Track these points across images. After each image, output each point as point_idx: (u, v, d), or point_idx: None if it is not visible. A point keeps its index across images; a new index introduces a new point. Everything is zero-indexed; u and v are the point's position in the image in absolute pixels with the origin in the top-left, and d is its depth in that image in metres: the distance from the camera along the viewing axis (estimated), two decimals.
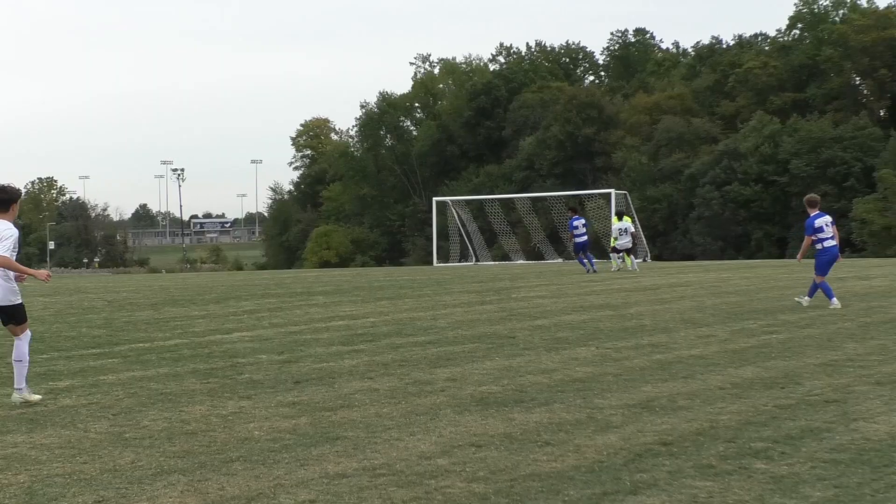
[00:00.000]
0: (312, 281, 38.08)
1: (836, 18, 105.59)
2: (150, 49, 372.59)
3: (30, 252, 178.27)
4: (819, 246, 21.22)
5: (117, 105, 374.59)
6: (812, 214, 21.40)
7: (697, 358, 14.27)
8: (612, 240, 39.99)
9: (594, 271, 36.62)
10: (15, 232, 11.50)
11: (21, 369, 11.68)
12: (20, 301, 11.73)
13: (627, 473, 8.14)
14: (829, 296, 21.12)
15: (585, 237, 38.30)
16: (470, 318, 20.75)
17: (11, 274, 11.56)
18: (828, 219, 21.52)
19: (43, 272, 11.90)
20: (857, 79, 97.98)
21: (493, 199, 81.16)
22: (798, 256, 22.87)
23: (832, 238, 21.17)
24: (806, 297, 21.51)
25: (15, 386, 11.73)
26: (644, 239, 68.09)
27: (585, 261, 37.61)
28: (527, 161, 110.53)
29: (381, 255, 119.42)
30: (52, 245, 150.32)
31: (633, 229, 39.92)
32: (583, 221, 38.35)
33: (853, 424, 9.68)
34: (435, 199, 73.90)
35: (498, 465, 8.40)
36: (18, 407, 11.50)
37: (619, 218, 40.31)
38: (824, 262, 21.24)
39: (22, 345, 11.67)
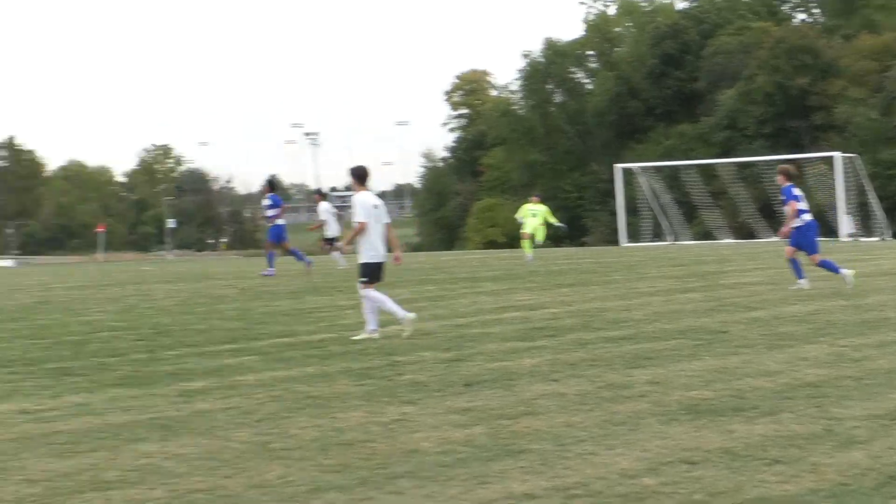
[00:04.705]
0: (477, 264, 38.35)
1: None
2: None
3: (146, 232, 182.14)
4: None
5: (238, 60, 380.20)
6: None
7: None
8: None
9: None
10: None
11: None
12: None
13: (881, 499, 7.91)
14: None
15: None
16: (671, 308, 20.59)
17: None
18: None
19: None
20: None
21: (689, 165, 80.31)
22: None
23: None
24: None
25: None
26: (882, 213, 66.68)
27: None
28: (728, 119, 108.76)
29: (558, 234, 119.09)
30: (171, 223, 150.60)
31: (333, 209, 38.86)
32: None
33: None
34: (618, 165, 73.51)
35: (717, 487, 8.26)
36: (149, 412, 11.80)
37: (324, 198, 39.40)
38: None
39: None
